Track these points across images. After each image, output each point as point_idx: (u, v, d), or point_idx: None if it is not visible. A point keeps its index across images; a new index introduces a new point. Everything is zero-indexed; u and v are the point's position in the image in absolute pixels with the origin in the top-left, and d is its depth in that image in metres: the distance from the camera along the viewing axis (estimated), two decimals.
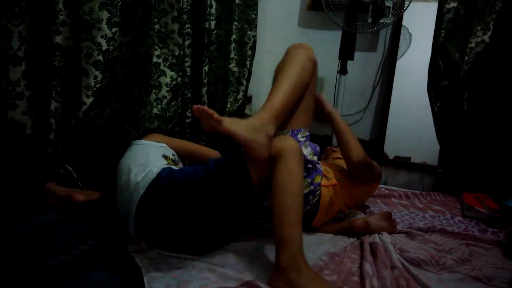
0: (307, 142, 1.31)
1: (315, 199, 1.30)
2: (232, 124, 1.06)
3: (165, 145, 1.47)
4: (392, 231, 1.42)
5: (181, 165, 1.46)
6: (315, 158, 1.31)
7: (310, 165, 1.25)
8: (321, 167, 1.36)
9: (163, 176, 1.14)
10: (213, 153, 1.62)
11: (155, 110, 1.83)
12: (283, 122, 1.24)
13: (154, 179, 1.13)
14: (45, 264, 1.06)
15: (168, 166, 1.22)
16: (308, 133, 1.32)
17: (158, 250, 1.18)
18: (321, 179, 1.31)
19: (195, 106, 1.02)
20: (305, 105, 1.31)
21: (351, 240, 1.36)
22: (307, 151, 1.27)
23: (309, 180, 1.26)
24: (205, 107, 1.01)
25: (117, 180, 1.27)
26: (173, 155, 1.44)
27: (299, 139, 1.28)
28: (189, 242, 1.17)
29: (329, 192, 1.36)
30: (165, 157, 1.35)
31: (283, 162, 1.08)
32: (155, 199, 1.12)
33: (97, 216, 1.40)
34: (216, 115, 1.02)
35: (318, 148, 1.34)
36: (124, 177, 1.21)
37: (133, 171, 1.20)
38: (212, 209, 1.13)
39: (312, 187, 1.26)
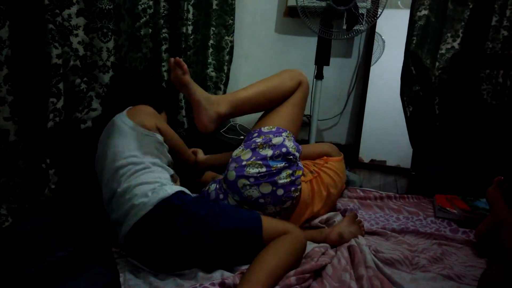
0: (292, 139, 1.38)
1: (296, 194, 1.34)
2: (194, 84, 1.22)
3: (161, 139, 1.37)
4: (363, 234, 1.44)
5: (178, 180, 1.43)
6: (297, 154, 1.35)
7: (292, 157, 1.30)
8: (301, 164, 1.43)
9: (176, 203, 1.11)
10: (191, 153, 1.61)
11: None
12: (243, 112, 1.39)
13: (166, 204, 1.10)
14: (20, 272, 1.05)
15: (180, 190, 1.18)
16: (293, 136, 1.40)
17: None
18: (301, 175, 1.37)
19: (171, 58, 1.18)
20: (289, 114, 1.44)
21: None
22: (290, 144, 1.33)
23: (290, 171, 1.30)
24: (181, 60, 1.18)
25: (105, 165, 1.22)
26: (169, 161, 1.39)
27: (284, 136, 1.35)
28: (179, 265, 1.13)
29: (308, 188, 1.43)
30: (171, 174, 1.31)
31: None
32: (160, 221, 1.09)
33: (76, 221, 1.38)
34: (186, 67, 1.19)
35: (300, 148, 1.39)
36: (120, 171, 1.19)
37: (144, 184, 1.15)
38: (216, 253, 1.12)
39: (293, 178, 1.31)
